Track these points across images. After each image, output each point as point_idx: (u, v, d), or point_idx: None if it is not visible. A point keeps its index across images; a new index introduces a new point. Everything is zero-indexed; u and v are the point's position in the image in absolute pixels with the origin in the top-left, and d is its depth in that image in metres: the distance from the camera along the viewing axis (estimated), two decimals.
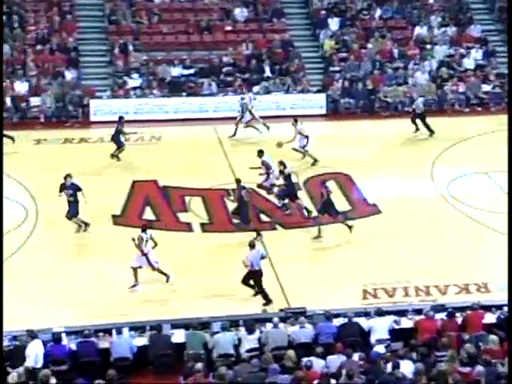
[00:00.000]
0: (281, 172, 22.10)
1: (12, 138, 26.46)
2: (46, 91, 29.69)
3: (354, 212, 22.47)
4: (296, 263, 19.82)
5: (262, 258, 17.92)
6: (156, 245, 18.59)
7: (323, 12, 34.10)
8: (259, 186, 22.94)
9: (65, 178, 21.09)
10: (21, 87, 29.66)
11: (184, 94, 30.68)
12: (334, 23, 33.87)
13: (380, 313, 16.08)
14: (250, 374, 13.84)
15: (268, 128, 27.74)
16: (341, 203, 22.87)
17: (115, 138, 25.77)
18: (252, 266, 17.69)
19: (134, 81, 30.78)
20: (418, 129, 28.07)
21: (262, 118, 28.00)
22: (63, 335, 15.28)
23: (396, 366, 13.73)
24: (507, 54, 32.29)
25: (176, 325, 15.97)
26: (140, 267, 18.47)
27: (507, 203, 21.68)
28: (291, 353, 14.41)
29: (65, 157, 26.00)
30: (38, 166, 25.07)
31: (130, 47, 31.90)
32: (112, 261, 19.61)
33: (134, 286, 18.42)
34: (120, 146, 25.82)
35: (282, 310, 16.69)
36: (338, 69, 32.42)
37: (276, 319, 15.77)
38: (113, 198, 23.00)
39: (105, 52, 32.46)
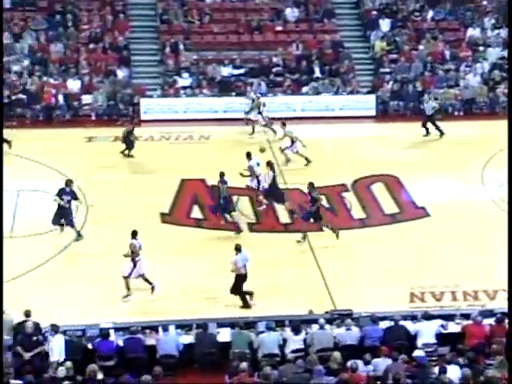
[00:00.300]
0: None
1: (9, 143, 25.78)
2: (97, 89, 30.00)
3: (403, 214, 22.35)
4: (343, 265, 19.75)
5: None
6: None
7: (374, 13, 33.93)
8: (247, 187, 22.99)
9: (66, 184, 20.74)
10: (73, 85, 30.00)
11: (233, 93, 30.77)
12: (385, 24, 33.67)
13: (427, 317, 15.95)
14: (294, 374, 13.85)
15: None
16: (389, 205, 22.79)
17: (126, 140, 25.76)
18: (238, 270, 17.70)
19: (184, 80, 30.95)
20: (442, 133, 27.92)
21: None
22: (111, 331, 15.45)
23: (443, 371, 13.62)
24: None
25: (222, 323, 16.03)
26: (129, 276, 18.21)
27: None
28: (337, 355, 14.37)
29: (115, 155, 26.22)
30: (89, 162, 25.36)
31: (181, 46, 32.09)
32: (160, 258, 19.82)
33: (153, 288, 18.33)
34: (130, 147, 25.83)
35: (328, 312, 16.64)
36: (388, 70, 32.23)
37: (322, 321, 15.73)
38: (161, 195, 23.16)
39: (156, 51, 32.71)
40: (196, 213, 22.61)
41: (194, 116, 29.72)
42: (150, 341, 15.53)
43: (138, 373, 13.92)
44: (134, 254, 18.03)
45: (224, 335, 15.72)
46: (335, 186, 23.27)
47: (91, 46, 31.74)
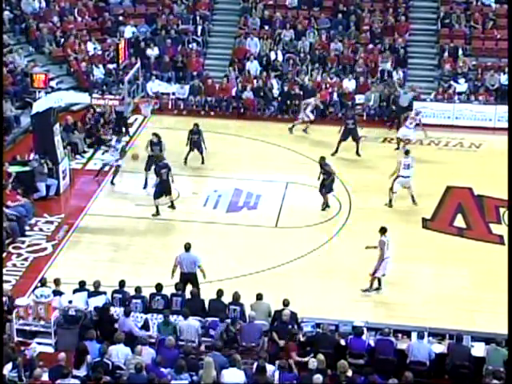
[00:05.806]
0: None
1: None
2: (371, 90, 30.21)
3: None
4: None
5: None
6: None
7: None
8: None
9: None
10: (348, 84, 30.44)
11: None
12: None
13: None
14: None
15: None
16: None
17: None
18: (183, 268, 17.48)
19: (460, 86, 30.37)
20: None
21: None
22: (364, 329, 15.61)
23: None
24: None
25: (476, 337, 15.67)
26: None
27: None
28: None
29: (382, 156, 26.24)
30: (356, 161, 25.71)
31: (460, 51, 31.54)
32: (417, 263, 19.75)
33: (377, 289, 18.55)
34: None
35: None
36: None
37: None
38: (425, 200, 22.95)
39: (433, 55, 32.41)
40: (459, 221, 22.20)
41: (466, 123, 29.05)
42: (401, 345, 15.52)
43: (386, 375, 13.99)
44: (382, 251, 18.10)
45: (478, 350, 15.35)
46: None
47: (370, 46, 32.08)
